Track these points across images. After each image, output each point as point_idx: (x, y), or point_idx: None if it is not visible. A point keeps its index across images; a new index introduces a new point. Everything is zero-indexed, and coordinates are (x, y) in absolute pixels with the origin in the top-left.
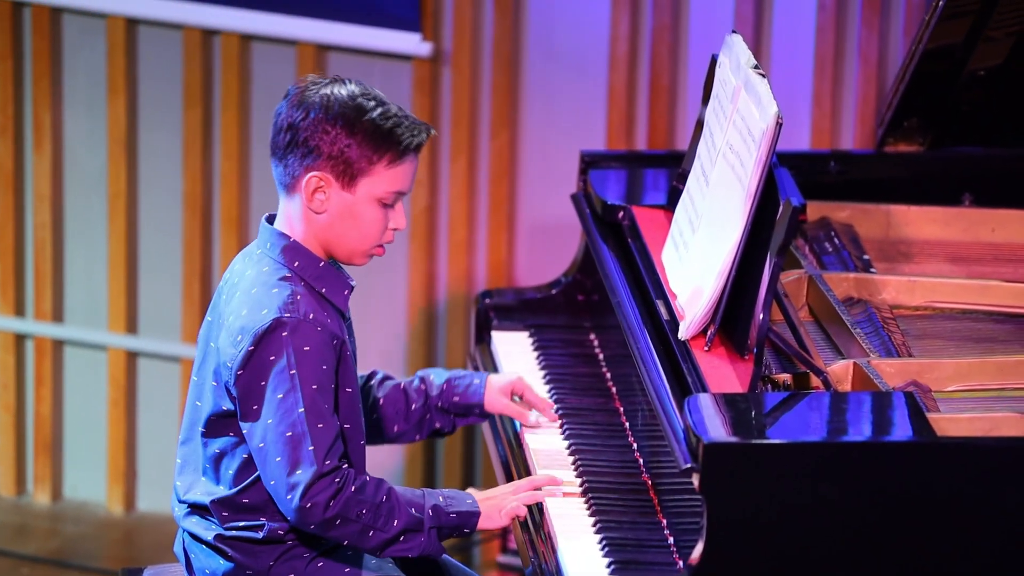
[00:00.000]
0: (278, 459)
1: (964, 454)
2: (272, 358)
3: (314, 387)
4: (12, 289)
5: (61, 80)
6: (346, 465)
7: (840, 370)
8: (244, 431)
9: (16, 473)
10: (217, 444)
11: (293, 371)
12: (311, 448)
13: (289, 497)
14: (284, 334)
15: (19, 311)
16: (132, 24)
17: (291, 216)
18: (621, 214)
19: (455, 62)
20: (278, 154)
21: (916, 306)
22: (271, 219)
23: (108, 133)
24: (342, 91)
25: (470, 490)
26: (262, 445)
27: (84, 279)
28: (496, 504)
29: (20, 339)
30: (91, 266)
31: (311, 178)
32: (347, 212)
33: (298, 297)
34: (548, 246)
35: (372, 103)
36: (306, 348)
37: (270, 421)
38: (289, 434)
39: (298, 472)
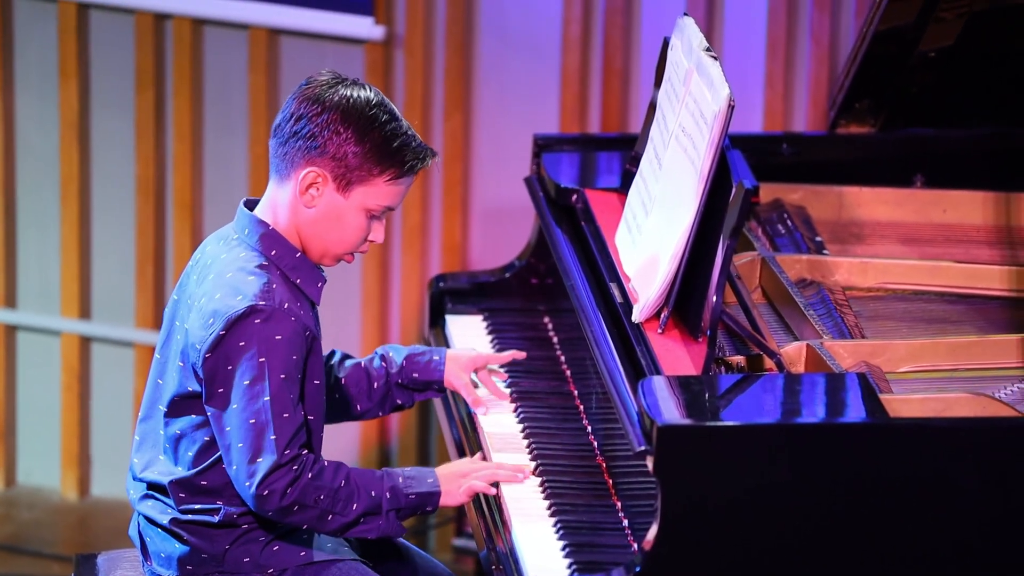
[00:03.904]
0: (240, 445)
1: (917, 435)
2: (242, 344)
3: (282, 376)
4: None
5: (12, 64)
6: (306, 452)
7: (793, 352)
8: (209, 414)
9: None
10: (179, 424)
11: (262, 359)
12: (273, 437)
13: (248, 484)
14: (257, 321)
15: None
16: (83, 8)
17: (276, 203)
18: (575, 197)
19: (408, 45)
20: (281, 138)
21: (869, 287)
22: (250, 204)
23: (60, 117)
24: (360, 96)
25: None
26: (227, 429)
27: (37, 264)
28: (457, 481)
29: None
30: (44, 251)
31: (309, 172)
32: (334, 214)
33: (274, 286)
34: (502, 229)
35: (386, 116)
36: (277, 337)
37: (235, 407)
38: (252, 421)
39: (259, 460)
